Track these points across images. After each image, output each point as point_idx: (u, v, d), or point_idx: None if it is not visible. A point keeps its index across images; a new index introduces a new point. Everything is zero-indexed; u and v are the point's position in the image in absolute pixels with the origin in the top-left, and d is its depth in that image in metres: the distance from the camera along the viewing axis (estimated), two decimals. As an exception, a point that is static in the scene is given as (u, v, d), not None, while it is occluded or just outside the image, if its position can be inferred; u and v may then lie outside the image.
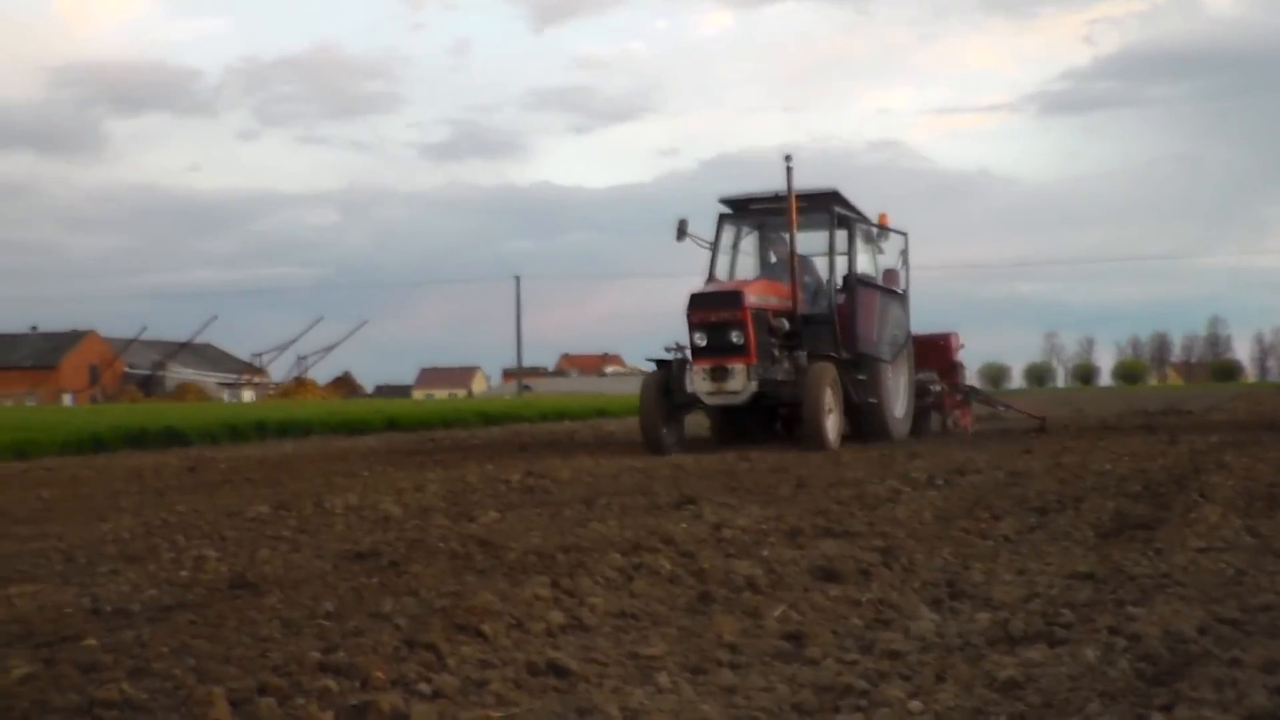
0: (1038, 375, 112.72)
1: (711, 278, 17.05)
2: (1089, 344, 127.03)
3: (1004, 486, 9.11)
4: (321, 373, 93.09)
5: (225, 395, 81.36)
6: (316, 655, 3.94)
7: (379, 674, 3.72)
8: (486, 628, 4.31)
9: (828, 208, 16.82)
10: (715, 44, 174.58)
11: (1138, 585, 5.00)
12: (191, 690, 3.61)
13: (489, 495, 9.43)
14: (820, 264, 17.35)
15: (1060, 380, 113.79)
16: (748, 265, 17.62)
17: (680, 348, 15.81)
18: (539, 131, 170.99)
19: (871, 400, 16.29)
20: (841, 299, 16.72)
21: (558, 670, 3.85)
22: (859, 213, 17.47)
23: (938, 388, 18.89)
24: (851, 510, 7.72)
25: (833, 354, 15.86)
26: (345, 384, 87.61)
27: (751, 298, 15.45)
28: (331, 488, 10.17)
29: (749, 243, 17.82)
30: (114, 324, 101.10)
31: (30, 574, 6.00)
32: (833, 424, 15.21)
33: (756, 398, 15.48)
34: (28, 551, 6.78)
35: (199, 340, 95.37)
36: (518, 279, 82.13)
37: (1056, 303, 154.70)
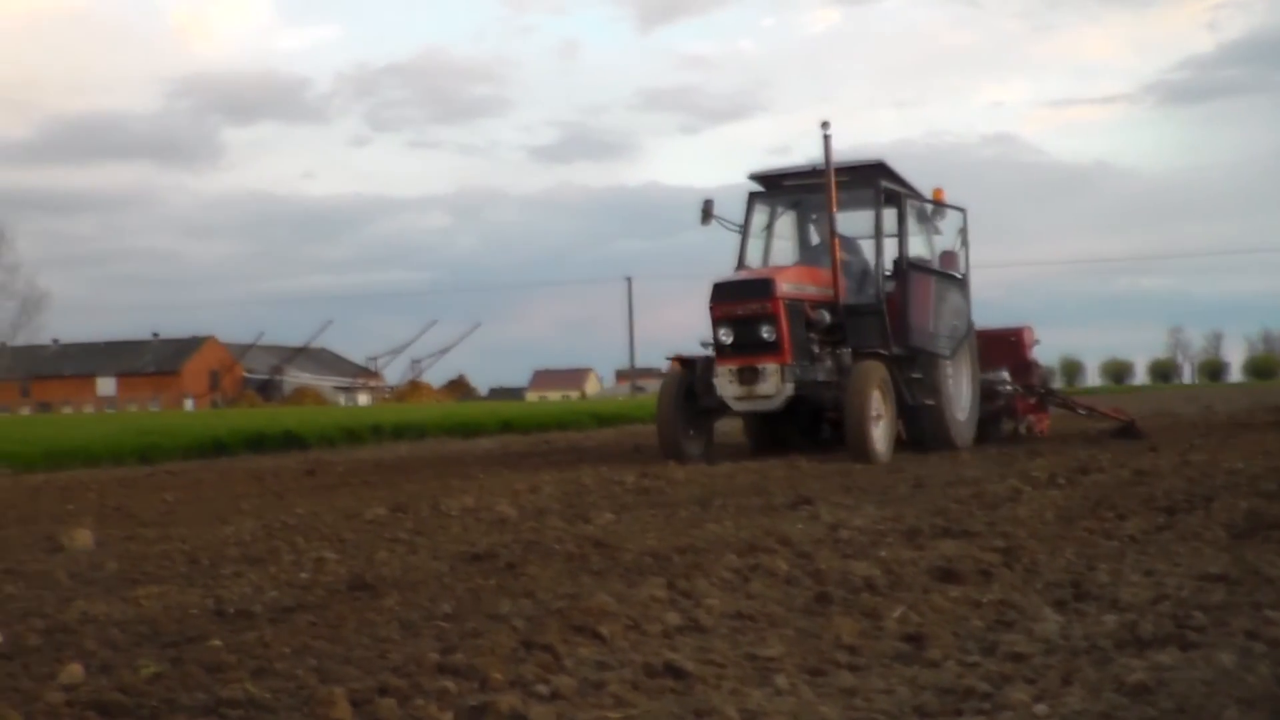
0: (1162, 372, 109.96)
1: (741, 265, 15.13)
2: (1217, 339, 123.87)
3: (1129, 485, 8.89)
4: (436, 376, 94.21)
5: (341, 399, 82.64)
6: (435, 656, 3.96)
7: (497, 675, 3.73)
8: (603, 629, 4.30)
9: (873, 182, 14.64)
10: (824, 40, 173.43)
11: (1275, 588, 4.85)
12: (313, 690, 3.65)
13: (604, 497, 9.44)
14: (867, 246, 15.12)
15: (1187, 376, 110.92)
16: (785, 251, 15.62)
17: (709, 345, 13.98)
18: (647, 132, 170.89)
19: (928, 402, 14.25)
20: (891, 286, 14.57)
21: (675, 671, 3.82)
22: (910, 187, 15.22)
23: (1009, 388, 16.74)
24: (970, 510, 7.60)
25: (881, 350, 13.90)
26: (459, 387, 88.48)
27: (784, 286, 13.51)
28: (447, 490, 10.24)
29: (786, 225, 15.78)
30: (233, 329, 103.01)
31: (156, 576, 6.11)
32: (882, 431, 13.29)
33: (793, 402, 13.60)
34: (154, 554, 6.90)
35: (315, 345, 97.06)
36: (629, 280, 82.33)
37: (1181, 297, 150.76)
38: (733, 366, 13.50)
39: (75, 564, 6.49)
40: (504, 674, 3.75)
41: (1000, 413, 16.69)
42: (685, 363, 14.22)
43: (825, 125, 13.83)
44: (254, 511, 9.17)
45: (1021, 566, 5.57)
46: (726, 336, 13.53)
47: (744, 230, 15.36)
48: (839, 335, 14.02)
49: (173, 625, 4.79)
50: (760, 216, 15.55)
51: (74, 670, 3.95)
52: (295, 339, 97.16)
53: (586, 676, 3.79)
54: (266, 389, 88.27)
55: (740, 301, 13.49)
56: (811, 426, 15.13)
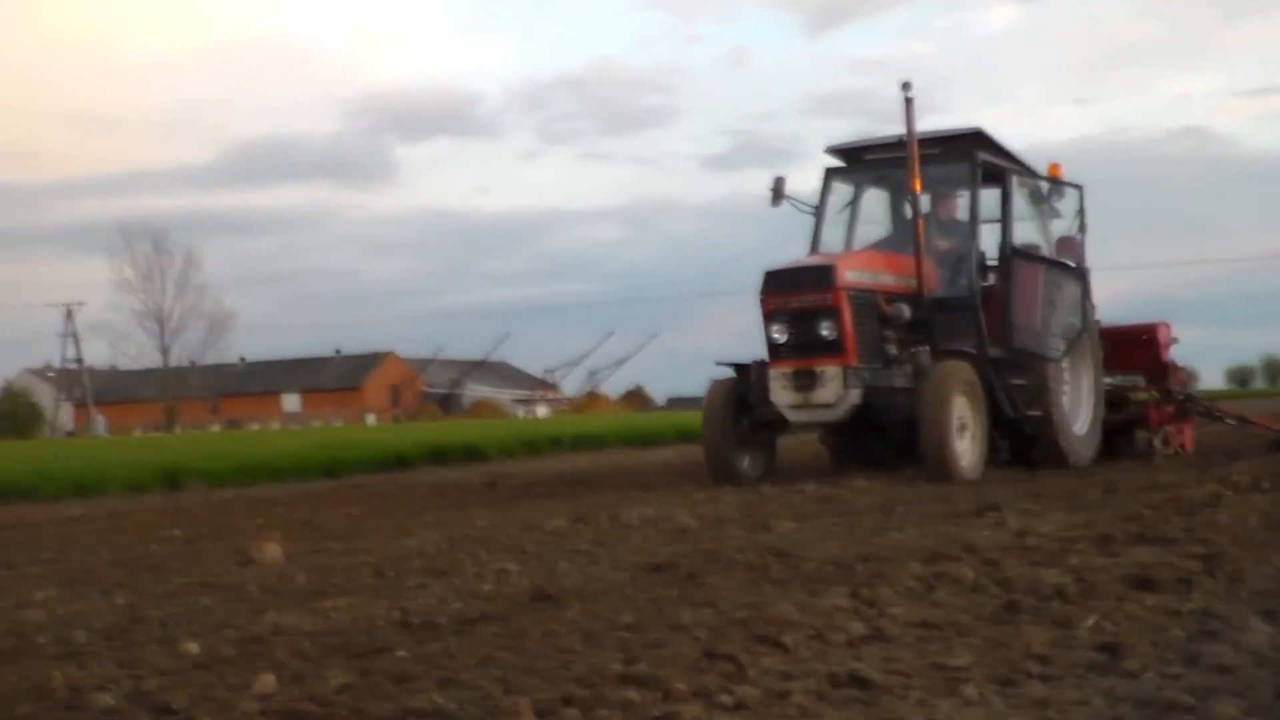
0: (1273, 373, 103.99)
1: (815, 252, 13.06)
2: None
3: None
4: (613, 386, 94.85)
5: (520, 411, 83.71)
6: (618, 666, 3.95)
7: (680, 685, 3.70)
8: (786, 639, 4.24)
9: (968, 154, 12.57)
10: (1000, 39, 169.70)
11: None
12: (498, 701, 3.66)
13: (784, 505, 9.36)
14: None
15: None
16: (872, 236, 13.43)
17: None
18: (819, 137, 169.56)
19: (1035, 413, 12.22)
20: (994, 278, 12.80)
21: (860, 681, 3.75)
22: (1018, 161, 13.19)
23: (1142, 396, 14.41)
24: (1166, 516, 7.32)
25: (971, 350, 12.01)
26: (637, 397, 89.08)
27: (849, 274, 11.65)
28: (627, 500, 10.27)
29: (875, 207, 13.65)
30: (412, 344, 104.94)
31: (343, 588, 6.22)
32: (968, 446, 11.42)
33: (861, 411, 11.64)
34: (340, 566, 7.03)
35: (493, 358, 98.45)
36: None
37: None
38: (787, 370, 11.62)
39: (265, 577, 6.65)
40: (687, 684, 3.72)
41: (1131, 424, 14.33)
42: (738, 368, 12.33)
43: (906, 86, 11.86)
44: (436, 524, 9.30)
45: (1224, 574, 5.32)
46: (780, 334, 11.74)
47: (819, 212, 13.34)
48: (923, 333, 12.12)
49: (360, 636, 4.86)
50: (839, 196, 13.51)
51: (267, 680, 4.03)
52: (473, 353, 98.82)
53: (770, 686, 3.73)
54: (446, 403, 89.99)
55: (795, 293, 11.65)
56: (905, 438, 12.13)
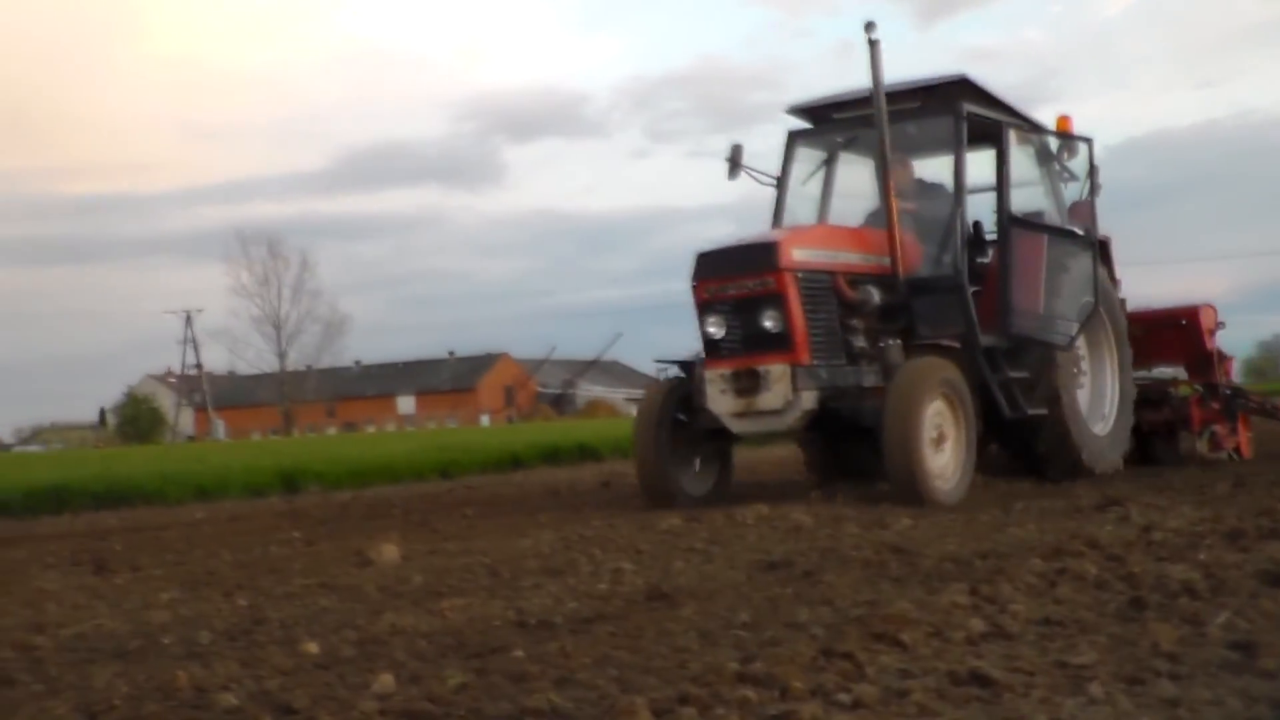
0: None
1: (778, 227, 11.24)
2: None
3: None
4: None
5: (633, 410, 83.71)
6: (734, 665, 3.92)
7: (797, 684, 3.66)
8: (905, 636, 4.19)
9: (952, 107, 10.58)
10: (1118, 23, 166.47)
11: None
12: (615, 700, 3.65)
13: (900, 501, 9.25)
14: (971, 198, 10.98)
15: None
16: (852, 212, 11.45)
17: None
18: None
19: (1039, 411, 10.39)
20: (990, 254, 11.01)
21: (981, 679, 3.68)
22: (1016, 113, 11.21)
23: (1184, 391, 12.62)
24: (1297, 509, 7.11)
25: (951, 340, 10.04)
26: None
27: (797, 252, 9.70)
28: (742, 498, 10.22)
29: (856, 176, 11.58)
30: (525, 345, 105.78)
31: (459, 588, 6.25)
32: (949, 462, 9.44)
33: (819, 421, 9.76)
34: (456, 567, 7.08)
35: (606, 357, 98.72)
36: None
37: None
38: (725, 370, 9.70)
39: (383, 578, 6.71)
40: (804, 683, 3.68)
41: (1171, 424, 12.46)
42: (683, 366, 10.46)
43: (870, 27, 9.78)
44: (551, 524, 9.33)
45: (1359, 568, 5.16)
46: (716, 328, 9.82)
47: (781, 183, 11.42)
48: (903, 322, 10.25)
49: (477, 636, 4.88)
50: (805, 165, 11.56)
51: (385, 680, 4.05)
52: (585, 353, 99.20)
53: (889, 685, 3.68)
54: (560, 403, 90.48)
55: (732, 277, 9.73)
56: None
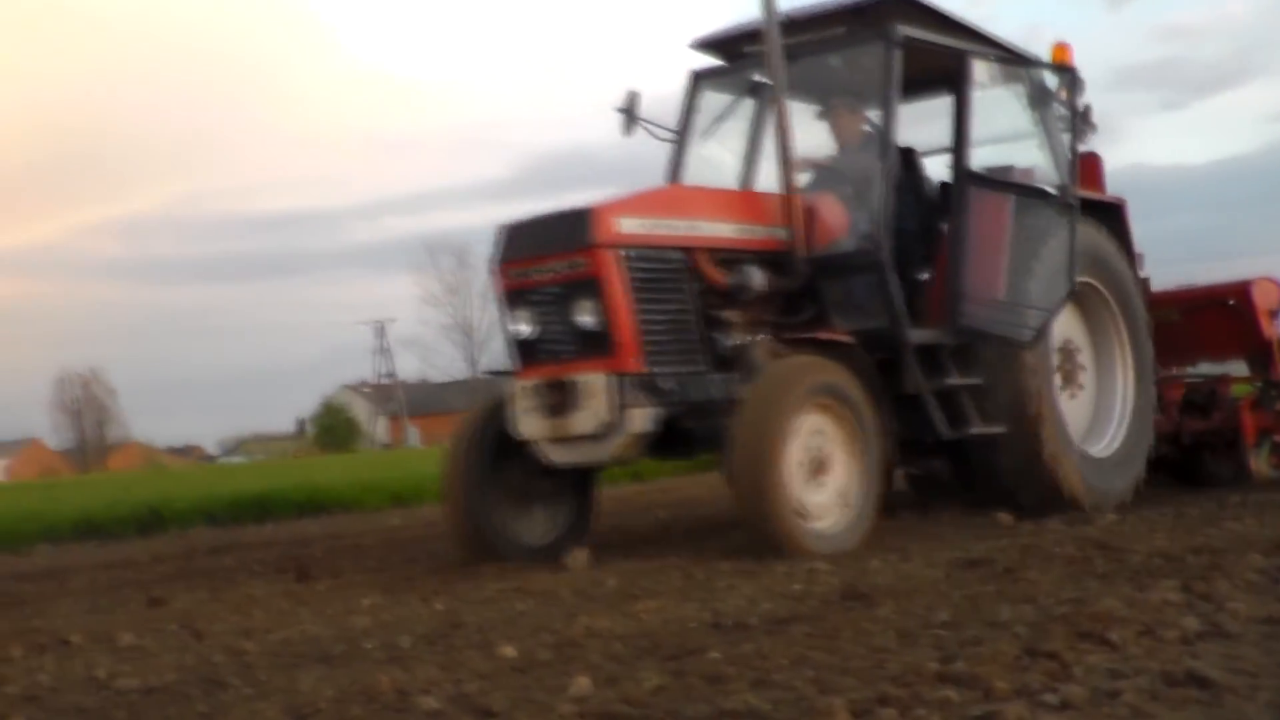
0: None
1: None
2: None
3: None
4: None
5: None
6: (934, 665, 3.84)
7: (1001, 684, 3.56)
8: (1113, 635, 4.04)
9: (883, 30, 8.24)
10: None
11: None
12: (812, 701, 3.59)
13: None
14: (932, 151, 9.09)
15: None
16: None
17: None
18: (1126, 112, 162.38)
19: (990, 429, 8.16)
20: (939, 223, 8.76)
21: (1199, 680, 3.52)
22: (983, 35, 8.78)
23: (1240, 391, 10.32)
24: None
25: (840, 334, 7.77)
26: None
27: (627, 223, 7.44)
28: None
29: (798, 126, 8.29)
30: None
31: (654, 590, 6.25)
32: (832, 499, 7.29)
33: (669, 445, 7.63)
34: (650, 569, 7.07)
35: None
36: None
37: None
38: (528, 382, 7.55)
39: (578, 581, 6.74)
40: (1008, 683, 3.58)
41: (1221, 436, 10.10)
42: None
43: None
44: (745, 526, 9.26)
45: None
46: (523, 325, 7.66)
47: (681, 136, 9.24)
48: (810, 311, 8.13)
49: (672, 638, 4.86)
50: (710, 115, 9.33)
51: (582, 682, 4.05)
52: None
53: (1098, 685, 3.55)
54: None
55: (541, 257, 7.54)
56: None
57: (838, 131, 8.85)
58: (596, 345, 7.34)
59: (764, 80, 8.42)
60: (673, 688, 3.95)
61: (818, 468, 7.22)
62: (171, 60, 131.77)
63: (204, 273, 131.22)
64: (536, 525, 8.18)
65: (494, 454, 7.86)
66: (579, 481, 8.23)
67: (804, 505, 7.08)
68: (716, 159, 9.42)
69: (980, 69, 8.63)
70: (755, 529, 7.02)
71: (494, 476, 7.89)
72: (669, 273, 7.60)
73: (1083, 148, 9.09)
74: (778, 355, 7.50)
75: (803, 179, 8.35)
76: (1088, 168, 9.43)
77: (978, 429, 8.12)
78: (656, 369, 7.38)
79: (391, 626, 5.69)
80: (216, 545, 12.09)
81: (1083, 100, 8.80)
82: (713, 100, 9.27)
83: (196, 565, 10.26)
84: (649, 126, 9.12)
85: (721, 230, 7.88)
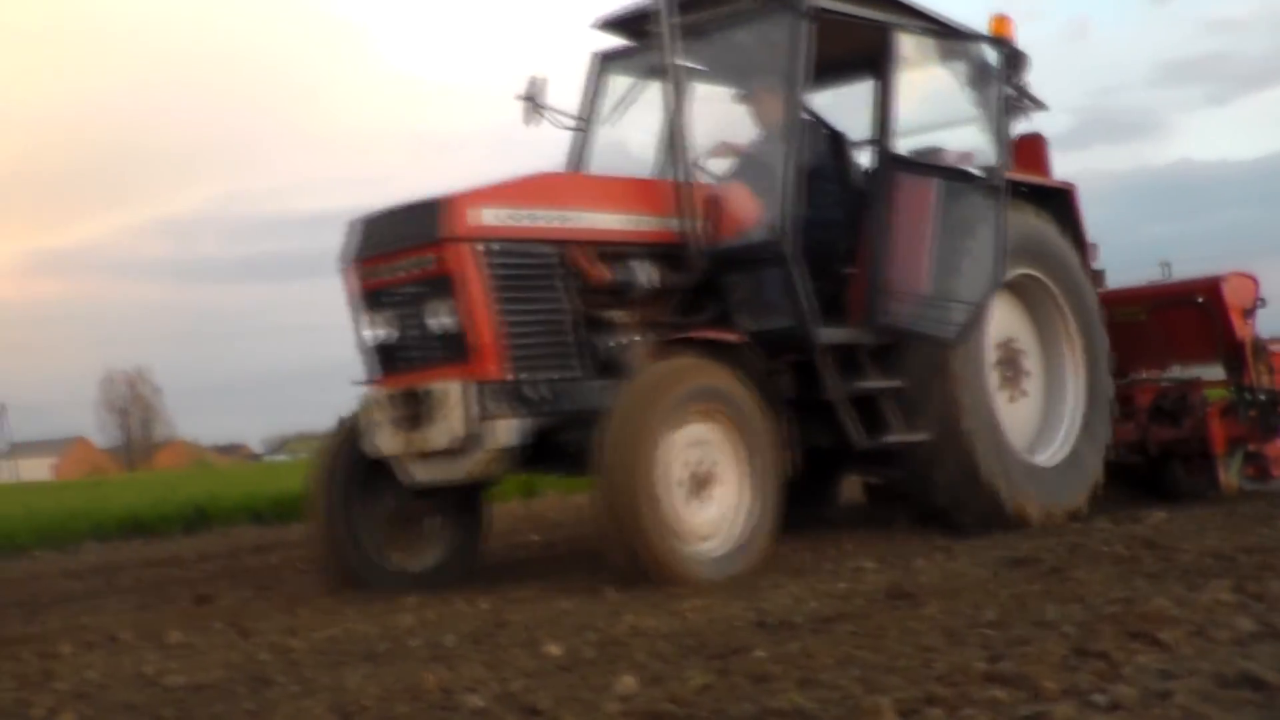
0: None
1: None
2: None
3: None
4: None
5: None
6: (981, 665, 3.80)
7: (1049, 684, 3.53)
8: (1164, 635, 3.99)
9: (791, 1, 7.53)
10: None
11: None
12: (859, 700, 3.56)
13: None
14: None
15: None
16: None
17: None
18: (1172, 107, 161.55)
19: (911, 437, 7.60)
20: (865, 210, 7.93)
21: (1253, 682, 3.46)
22: (914, 10, 8.08)
23: (1215, 397, 9.61)
24: None
25: (729, 334, 7.14)
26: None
27: (488, 214, 6.77)
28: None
29: (716, 112, 8.33)
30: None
31: (699, 589, 6.24)
32: (720, 511, 6.67)
33: (541, 460, 6.95)
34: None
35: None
36: (1165, 265, 77.89)
37: None
38: (383, 392, 6.95)
39: (622, 580, 6.73)
40: (1057, 683, 3.54)
41: (1190, 445, 9.30)
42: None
43: None
44: (789, 525, 9.23)
45: None
46: (379, 329, 7.02)
47: (585, 123, 8.58)
48: (712, 310, 7.50)
49: (717, 637, 4.85)
50: (617, 100, 8.57)
51: (628, 681, 4.05)
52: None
53: (1149, 686, 3.50)
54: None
55: (391, 254, 6.90)
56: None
57: (760, 116, 8.07)
58: (453, 350, 6.71)
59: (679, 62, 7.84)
60: (718, 687, 3.94)
61: (701, 483, 6.58)
62: (211, 65, 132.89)
63: (248, 272, 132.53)
64: (417, 550, 7.54)
65: (365, 472, 7.17)
66: (465, 499, 7.56)
67: (683, 526, 6.41)
68: (632, 147, 8.62)
69: (907, 44, 7.95)
70: (622, 555, 6.27)
71: (364, 497, 7.28)
72: (539, 269, 6.94)
73: (1027, 127, 8.74)
74: (657, 358, 6.85)
75: (722, 166, 8.05)
76: (1031, 150, 8.91)
77: (896, 436, 7.53)
78: (523, 375, 6.74)
79: (436, 625, 5.71)
80: (261, 544, 12.17)
81: (1025, 77, 8.44)
82: (620, 84, 8.54)
83: (242, 563, 10.33)
84: (552, 114, 8.34)
85: (604, 221, 7.23)
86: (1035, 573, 5.75)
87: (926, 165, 7.96)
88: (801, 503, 8.20)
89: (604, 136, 8.59)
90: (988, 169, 7.94)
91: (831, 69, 8.11)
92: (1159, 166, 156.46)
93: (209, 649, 5.61)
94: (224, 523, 15.29)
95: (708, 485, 6.61)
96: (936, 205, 7.75)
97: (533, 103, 8.22)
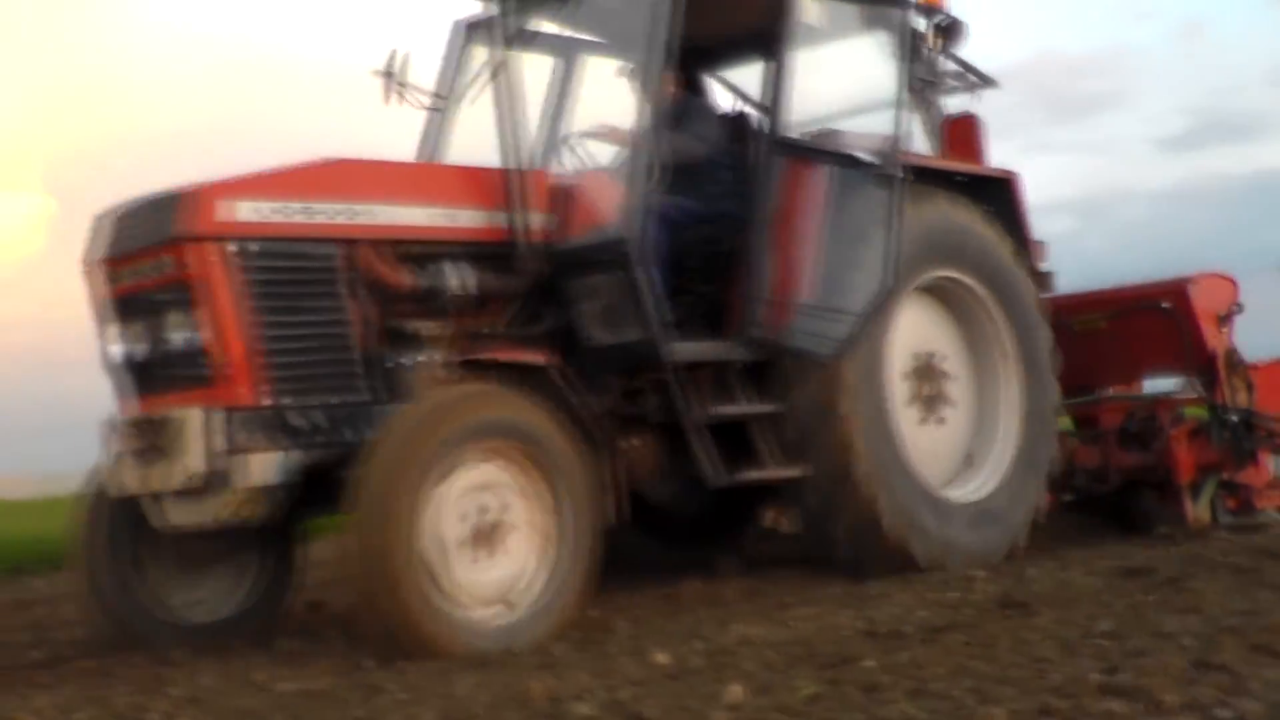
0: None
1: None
2: None
3: None
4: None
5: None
6: (1097, 676, 3.75)
7: (1168, 697, 3.46)
8: (1291, 649, 3.90)
9: None
10: None
11: None
12: (971, 711, 3.54)
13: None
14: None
15: None
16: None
17: None
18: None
19: (783, 473, 6.65)
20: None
21: (1386, 697, 3.37)
22: None
23: (1192, 414, 8.47)
24: None
25: (533, 355, 6.12)
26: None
27: (245, 207, 5.69)
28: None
29: (602, 91, 7.46)
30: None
31: (808, 598, 6.22)
32: (513, 568, 5.54)
33: (320, 501, 5.70)
34: (803, 577, 7.02)
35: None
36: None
37: None
38: (124, 420, 5.95)
39: (729, 588, 6.70)
40: (1177, 695, 3.47)
41: (1156, 472, 8.17)
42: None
43: None
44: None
45: None
46: (123, 343, 5.95)
47: (442, 100, 7.40)
48: (550, 321, 6.48)
49: (826, 646, 4.82)
50: (472, 71, 7.27)
51: (735, 690, 4.02)
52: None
53: (1275, 701, 3.42)
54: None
55: (129, 256, 5.85)
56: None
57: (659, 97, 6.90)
58: (197, 370, 5.67)
59: (564, 32, 7.31)
60: (828, 696, 3.91)
61: (488, 537, 5.48)
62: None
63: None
64: (209, 597, 6.50)
65: (138, 510, 5.97)
66: (268, 538, 6.46)
67: (458, 590, 5.35)
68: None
69: (810, 9, 6.89)
70: (378, 626, 5.26)
71: (139, 540, 6.18)
72: (316, 272, 5.88)
73: (968, 107, 7.72)
74: (445, 382, 5.96)
75: (606, 154, 7.09)
76: (963, 134, 7.75)
77: (762, 473, 6.56)
78: (288, 400, 5.66)
79: (544, 633, 5.72)
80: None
81: (959, 47, 7.38)
82: (485, 56, 7.04)
83: (351, 570, 10.22)
84: (411, 92, 7.05)
85: (408, 216, 6.17)
86: (1151, 583, 5.64)
87: (812, 150, 6.91)
88: (701, 541, 7.70)
89: (469, 117, 7.22)
90: (880, 154, 6.77)
91: (739, 44, 7.40)
92: (1277, 169, 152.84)
93: (319, 655, 5.68)
94: (334, 529, 15.39)
95: (497, 539, 5.51)
96: (828, 198, 6.69)
97: (392, 79, 6.96)
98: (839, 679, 4.13)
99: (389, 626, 5.20)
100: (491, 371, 5.93)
